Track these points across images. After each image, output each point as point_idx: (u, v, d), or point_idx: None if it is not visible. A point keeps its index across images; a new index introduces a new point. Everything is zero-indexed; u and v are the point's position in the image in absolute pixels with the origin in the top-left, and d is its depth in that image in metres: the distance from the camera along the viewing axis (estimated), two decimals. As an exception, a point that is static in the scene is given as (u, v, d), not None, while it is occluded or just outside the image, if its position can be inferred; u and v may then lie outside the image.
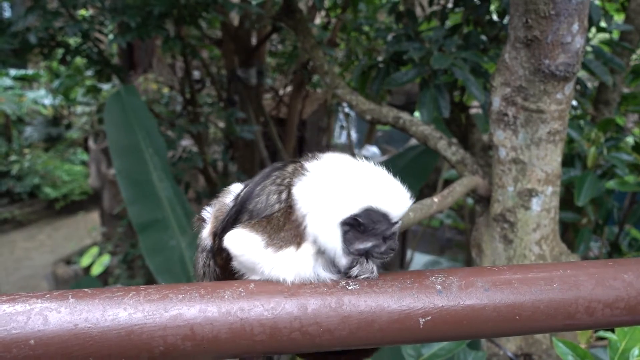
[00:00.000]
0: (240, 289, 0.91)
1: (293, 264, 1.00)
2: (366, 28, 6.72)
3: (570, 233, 4.29)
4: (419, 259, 8.46)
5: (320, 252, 1.02)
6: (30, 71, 14.21)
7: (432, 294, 0.92)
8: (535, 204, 2.52)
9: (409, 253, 8.47)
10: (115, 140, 4.87)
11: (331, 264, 1.04)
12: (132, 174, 4.73)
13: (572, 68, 2.24)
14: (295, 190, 1.05)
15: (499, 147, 2.55)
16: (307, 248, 1.02)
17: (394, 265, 8.12)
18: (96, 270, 9.84)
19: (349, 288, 0.93)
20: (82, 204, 14.04)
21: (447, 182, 8.32)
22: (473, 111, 4.75)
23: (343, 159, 1.13)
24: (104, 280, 9.48)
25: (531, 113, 2.39)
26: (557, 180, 2.54)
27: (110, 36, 6.00)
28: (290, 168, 1.12)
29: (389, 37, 4.16)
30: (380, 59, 4.25)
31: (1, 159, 13.61)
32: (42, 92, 14.60)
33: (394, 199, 1.06)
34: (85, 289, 0.85)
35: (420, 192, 4.81)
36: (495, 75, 2.51)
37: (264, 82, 8.06)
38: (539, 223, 2.55)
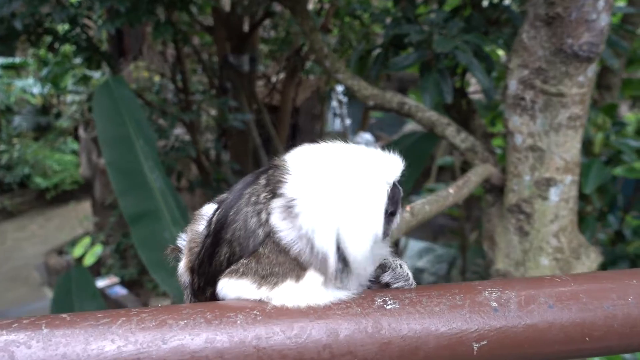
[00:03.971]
0: (255, 312, 0.74)
1: (294, 297, 0.83)
2: (360, 13, 6.56)
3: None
4: (413, 246, 8.39)
5: (332, 276, 0.84)
6: (17, 59, 13.95)
7: (487, 313, 0.76)
8: (554, 194, 2.37)
9: (402, 240, 8.39)
10: (104, 131, 4.71)
11: (351, 278, 0.88)
12: (122, 165, 4.59)
13: (597, 48, 2.09)
14: (278, 209, 0.87)
15: (514, 133, 2.40)
16: (312, 277, 0.84)
17: (388, 252, 8.05)
18: (88, 260, 9.75)
19: (388, 307, 0.76)
20: (73, 193, 13.90)
21: (442, 169, 8.23)
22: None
23: (315, 151, 0.94)
24: (97, 270, 9.38)
25: (551, 97, 2.24)
26: (577, 169, 2.39)
27: (99, 22, 5.81)
28: (263, 180, 0.93)
29: (387, 21, 4.01)
30: (379, 43, 4.11)
31: (-10, 148, 13.45)
32: (31, 80, 14.37)
33: (391, 163, 0.93)
34: (63, 315, 0.68)
35: (415, 178, 4.70)
36: (511, 57, 2.35)
37: (257, 69, 7.90)
38: (557, 214, 2.40)
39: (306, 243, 0.84)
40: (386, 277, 0.89)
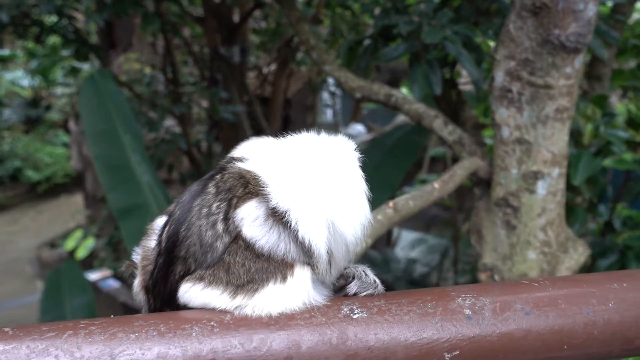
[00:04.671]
0: (212, 323, 0.70)
1: (279, 299, 0.79)
2: (350, 3, 6.51)
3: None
4: (405, 236, 8.39)
5: (324, 269, 0.82)
6: (6, 51, 13.81)
7: (459, 321, 0.72)
8: (541, 187, 2.33)
9: (395, 231, 8.38)
10: (91, 125, 4.66)
11: (321, 281, 0.85)
12: (110, 159, 4.55)
13: (584, 39, 2.05)
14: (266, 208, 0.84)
15: (501, 126, 2.36)
16: (300, 274, 0.81)
17: (380, 243, 8.03)
18: (81, 253, 9.71)
19: (354, 317, 0.72)
20: (65, 186, 13.83)
21: (434, 160, 8.20)
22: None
23: (269, 150, 0.93)
24: (89, 264, 9.33)
25: (538, 89, 2.20)
26: (564, 161, 2.36)
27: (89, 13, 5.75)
28: (211, 188, 0.89)
29: (377, 12, 3.97)
30: (368, 34, 4.06)
31: (-20, 142, 13.38)
32: (20, 73, 14.23)
33: (348, 146, 0.95)
34: (6, 329, 0.63)
35: (407, 170, 4.69)
36: (498, 48, 2.30)
37: (248, 60, 7.83)
38: (545, 207, 2.37)
39: (291, 242, 0.82)
40: (353, 288, 0.85)
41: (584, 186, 3.73)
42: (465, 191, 5.93)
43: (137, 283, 0.98)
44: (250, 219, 0.82)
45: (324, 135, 0.92)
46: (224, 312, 0.76)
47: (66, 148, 14.12)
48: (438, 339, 0.71)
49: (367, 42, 3.68)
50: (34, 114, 14.59)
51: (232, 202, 0.84)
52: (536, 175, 2.34)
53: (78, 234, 10.24)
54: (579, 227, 3.71)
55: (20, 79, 14.11)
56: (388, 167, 4.44)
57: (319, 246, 0.81)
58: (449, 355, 0.70)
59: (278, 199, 0.82)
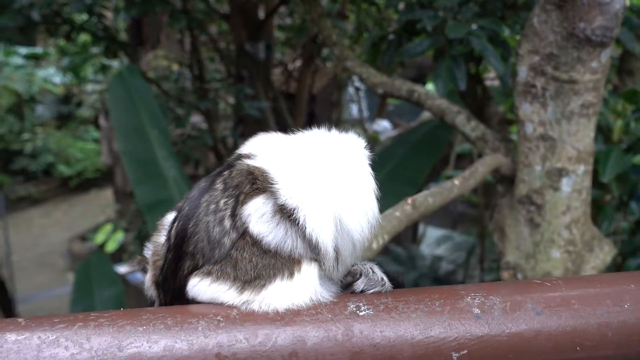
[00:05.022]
0: (218, 317, 0.71)
1: (286, 295, 0.80)
2: (376, -2, 6.48)
3: (592, 210, 4.08)
4: (431, 233, 8.33)
5: (331, 266, 0.83)
6: (39, 49, 14.11)
7: (468, 320, 0.71)
8: (566, 184, 2.29)
9: (421, 227, 8.32)
10: (119, 121, 4.74)
11: (328, 277, 0.85)
12: (137, 154, 4.61)
13: (610, 32, 2.00)
14: (281, 203, 0.84)
15: (525, 122, 2.32)
16: (307, 270, 0.82)
17: (406, 240, 7.98)
18: (110, 247, 9.89)
19: (361, 313, 0.72)
20: (95, 181, 14.12)
21: (460, 156, 8.12)
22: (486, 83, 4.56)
23: (279, 146, 0.93)
24: (119, 256, 9.50)
25: (562, 84, 2.16)
26: (590, 158, 2.31)
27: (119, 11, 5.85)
28: (219, 185, 0.89)
29: (401, 6, 3.94)
30: (392, 29, 4.03)
31: (15, 137, 13.66)
32: (52, 70, 14.53)
33: (359, 143, 0.95)
34: (19, 319, 0.65)
35: (433, 166, 4.65)
36: (521, 42, 2.26)
37: (273, 56, 7.85)
38: (569, 205, 2.32)
39: (298, 239, 0.83)
40: (360, 285, 0.85)
41: (614, 183, 3.65)
42: (492, 188, 5.85)
43: (148, 278, 1.00)
44: (257, 215, 0.83)
45: (334, 132, 0.93)
46: (230, 307, 0.77)
47: (97, 143, 14.39)
48: (445, 337, 0.70)
49: (391, 37, 3.66)
50: (66, 110, 14.90)
51: (239, 199, 0.85)
52: (560, 173, 2.29)
53: (108, 227, 10.43)
54: (608, 225, 3.64)
55: (53, 76, 14.42)
56: (413, 163, 4.41)
57: (326, 243, 0.81)
58: (456, 355, 0.69)
59: (286, 196, 0.82)
